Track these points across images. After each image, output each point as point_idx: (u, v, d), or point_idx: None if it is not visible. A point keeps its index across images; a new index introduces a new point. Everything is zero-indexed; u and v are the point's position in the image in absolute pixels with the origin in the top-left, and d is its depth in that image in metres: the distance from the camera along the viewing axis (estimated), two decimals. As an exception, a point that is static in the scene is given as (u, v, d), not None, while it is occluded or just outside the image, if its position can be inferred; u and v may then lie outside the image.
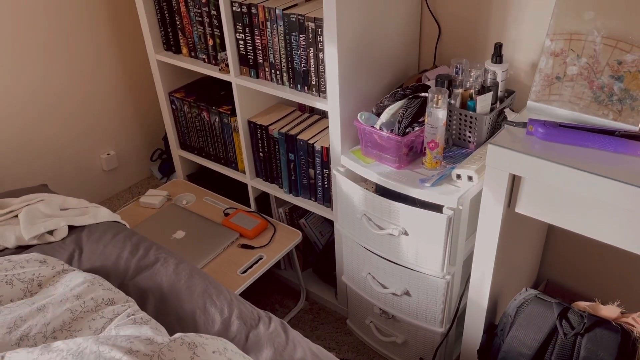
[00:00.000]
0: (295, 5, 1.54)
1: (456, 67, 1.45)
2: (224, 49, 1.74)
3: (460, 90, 1.42)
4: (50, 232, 1.50)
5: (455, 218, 1.35)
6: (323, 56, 1.48)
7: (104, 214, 1.59)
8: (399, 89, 1.46)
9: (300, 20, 1.48)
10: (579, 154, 1.11)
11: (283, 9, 1.51)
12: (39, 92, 2.02)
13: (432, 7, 1.64)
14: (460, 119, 1.43)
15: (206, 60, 1.82)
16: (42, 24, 1.95)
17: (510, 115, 1.38)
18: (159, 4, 1.83)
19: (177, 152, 2.14)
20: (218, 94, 1.98)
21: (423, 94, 1.43)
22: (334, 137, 1.56)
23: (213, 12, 1.69)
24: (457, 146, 1.49)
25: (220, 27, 1.70)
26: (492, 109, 1.40)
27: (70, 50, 2.06)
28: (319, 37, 1.46)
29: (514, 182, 1.20)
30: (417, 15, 1.65)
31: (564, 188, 1.09)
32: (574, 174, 1.06)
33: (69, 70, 2.08)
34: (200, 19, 1.74)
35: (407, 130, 1.41)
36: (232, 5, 1.60)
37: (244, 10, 1.58)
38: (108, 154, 2.33)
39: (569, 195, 1.11)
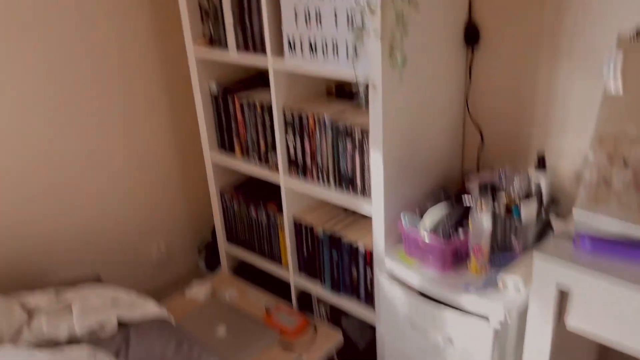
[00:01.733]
0: (344, 113, 1.64)
1: (499, 173, 1.48)
2: (274, 151, 1.84)
3: (504, 196, 1.44)
4: (101, 326, 1.54)
5: (502, 327, 1.31)
6: (369, 161, 1.55)
7: (151, 309, 1.63)
8: (442, 193, 1.49)
9: (348, 128, 1.57)
10: (630, 268, 1.08)
11: (332, 117, 1.61)
12: (100, 187, 2.16)
13: (473, 115, 1.71)
14: (505, 226, 1.44)
15: (257, 161, 1.92)
16: (101, 116, 2.13)
17: (556, 224, 1.38)
18: (217, 109, 1.98)
19: (223, 246, 2.21)
20: (266, 191, 2.07)
21: (467, 199, 1.46)
22: (378, 238, 1.58)
23: (267, 119, 1.81)
24: (503, 252, 1.48)
25: (272, 132, 1.82)
26: (537, 217, 1.41)
27: (129, 148, 2.22)
28: (365, 143, 1.54)
29: (563, 293, 1.17)
30: (460, 122, 1.72)
31: (615, 304, 1.06)
32: (625, 289, 1.04)
33: (129, 165, 2.23)
34: (254, 124, 1.87)
35: (452, 234, 1.42)
36: (284, 113, 1.72)
37: (295, 118, 1.70)
38: (158, 245, 2.42)
39: (621, 311, 1.08)
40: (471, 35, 1.60)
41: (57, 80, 1.87)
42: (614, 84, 1.22)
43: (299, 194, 1.87)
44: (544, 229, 1.45)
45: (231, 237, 2.18)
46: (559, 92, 1.51)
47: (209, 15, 1.82)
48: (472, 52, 1.64)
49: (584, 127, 1.49)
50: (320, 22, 1.49)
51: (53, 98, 1.88)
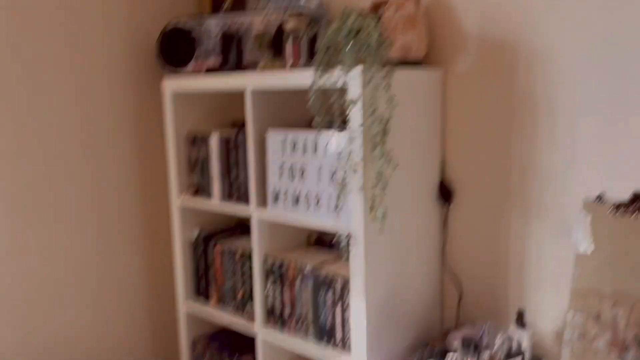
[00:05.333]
0: (324, 263, 1.66)
1: (481, 329, 1.47)
2: (252, 300, 1.81)
3: (487, 354, 1.42)
4: None
5: None
6: (349, 313, 1.53)
7: None
8: (425, 349, 1.46)
9: (329, 278, 1.57)
10: None
11: (312, 267, 1.62)
12: (65, 335, 2.04)
13: (451, 268, 1.74)
14: (490, 385, 1.39)
15: (234, 310, 1.87)
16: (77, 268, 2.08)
17: (543, 385, 1.34)
18: (196, 256, 1.98)
19: (190, 404, 2.04)
20: (242, 342, 1.98)
21: (450, 355, 1.42)
22: (359, 398, 1.50)
23: (246, 267, 1.81)
24: (490, 415, 1.41)
25: (251, 280, 1.80)
26: (522, 376, 1.38)
27: (98, 293, 2.15)
28: (346, 295, 1.54)
29: None
30: (438, 275, 1.75)
31: None
32: None
33: (95, 312, 2.14)
34: (233, 272, 1.86)
35: (437, 395, 1.36)
36: (265, 261, 1.73)
37: (275, 266, 1.70)
38: (117, 403, 2.22)
39: None
40: (445, 192, 1.70)
41: (30, 223, 1.87)
42: (584, 245, 1.29)
43: (276, 347, 1.79)
44: (530, 390, 1.40)
45: (199, 394, 2.03)
46: (532, 249, 1.57)
47: (197, 166, 1.91)
48: (447, 207, 1.72)
49: (560, 284, 1.53)
50: (305, 177, 1.57)
51: (23, 233, 1.86)
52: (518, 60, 1.53)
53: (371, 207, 1.41)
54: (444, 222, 1.73)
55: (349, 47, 1.35)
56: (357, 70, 1.36)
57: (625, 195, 1.34)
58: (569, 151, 1.47)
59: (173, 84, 1.87)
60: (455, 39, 1.63)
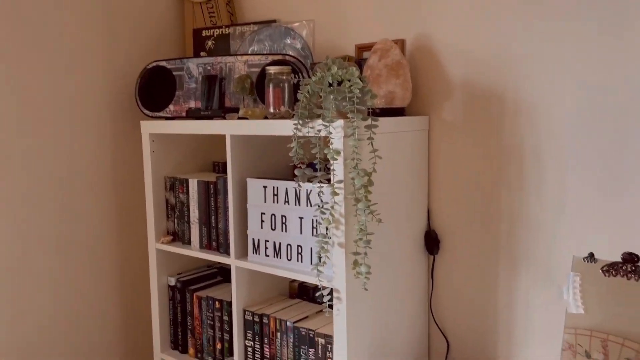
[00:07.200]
0: (306, 317, 1.59)
1: (469, 391, 1.41)
2: (231, 353, 1.73)
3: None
4: None
5: None
6: (332, 372, 1.46)
7: None
8: (411, 414, 1.39)
9: (311, 335, 1.50)
10: None
11: (294, 322, 1.55)
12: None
13: (438, 321, 1.68)
14: None
15: (212, 363, 1.79)
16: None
17: None
18: (174, 304, 1.90)
19: None
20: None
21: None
22: None
23: (225, 318, 1.73)
24: None
25: (230, 332, 1.72)
26: None
27: (70, 342, 2.05)
28: (329, 353, 1.46)
29: None
30: (425, 329, 1.68)
31: None
32: None
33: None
34: (211, 322, 1.78)
35: None
36: (244, 314, 1.65)
37: (255, 319, 1.63)
38: None
39: None
40: (431, 242, 1.65)
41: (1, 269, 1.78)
42: (575, 306, 1.24)
43: (256, 403, 1.71)
44: None
45: None
46: (521, 302, 1.52)
47: (175, 211, 1.84)
48: (434, 258, 1.67)
49: (548, 339, 1.47)
50: (286, 228, 1.52)
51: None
52: (504, 109, 1.50)
53: (354, 263, 1.35)
54: (431, 273, 1.68)
55: (331, 98, 1.31)
56: (340, 122, 1.31)
57: (616, 254, 1.29)
58: (558, 204, 1.43)
59: (151, 126, 1.81)
60: (441, 87, 1.60)
